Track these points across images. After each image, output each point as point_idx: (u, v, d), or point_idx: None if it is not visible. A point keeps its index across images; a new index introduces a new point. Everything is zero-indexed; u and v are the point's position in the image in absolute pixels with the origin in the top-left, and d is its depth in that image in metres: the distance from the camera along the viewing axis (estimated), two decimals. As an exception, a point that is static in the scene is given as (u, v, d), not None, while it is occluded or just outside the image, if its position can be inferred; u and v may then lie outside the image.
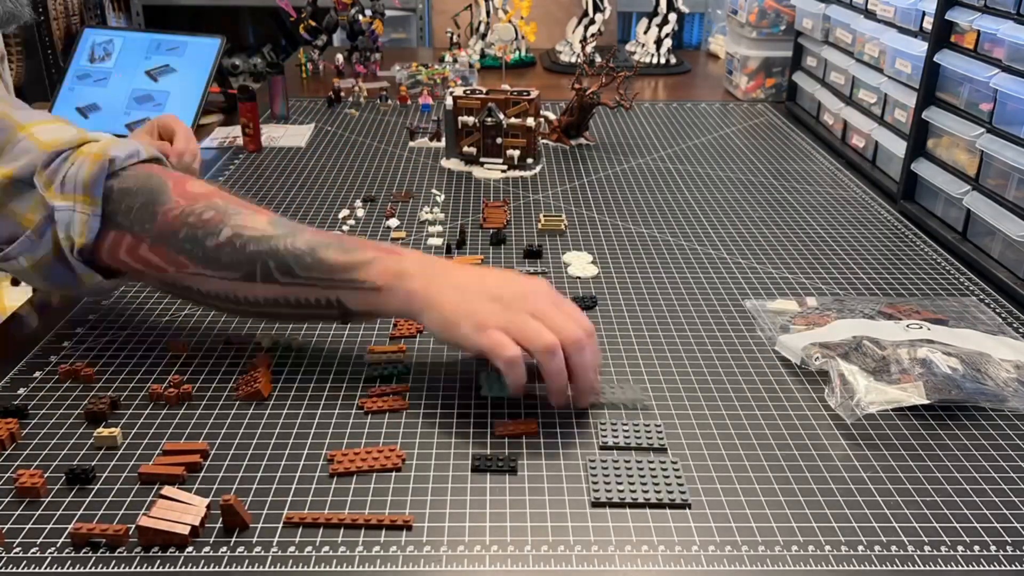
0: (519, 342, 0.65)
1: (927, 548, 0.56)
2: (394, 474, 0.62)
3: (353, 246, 0.70)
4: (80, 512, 0.58)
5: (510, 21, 1.93)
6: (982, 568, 0.55)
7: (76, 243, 0.72)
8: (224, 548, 0.55)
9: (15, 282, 0.95)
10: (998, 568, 0.55)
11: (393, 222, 1.06)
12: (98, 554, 0.55)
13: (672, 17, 1.95)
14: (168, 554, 0.55)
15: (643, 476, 0.61)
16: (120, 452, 0.64)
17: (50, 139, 0.74)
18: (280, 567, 0.54)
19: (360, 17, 1.80)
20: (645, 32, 1.99)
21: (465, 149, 1.25)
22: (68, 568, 0.54)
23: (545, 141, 1.38)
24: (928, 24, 1.07)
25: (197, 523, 0.56)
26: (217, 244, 0.70)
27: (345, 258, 0.69)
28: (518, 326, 0.66)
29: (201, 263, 0.71)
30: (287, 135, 1.41)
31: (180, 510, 0.57)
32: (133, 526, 0.57)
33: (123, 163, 0.74)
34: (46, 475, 0.62)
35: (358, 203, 1.12)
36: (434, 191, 1.13)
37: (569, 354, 0.66)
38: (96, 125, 1.49)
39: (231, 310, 0.75)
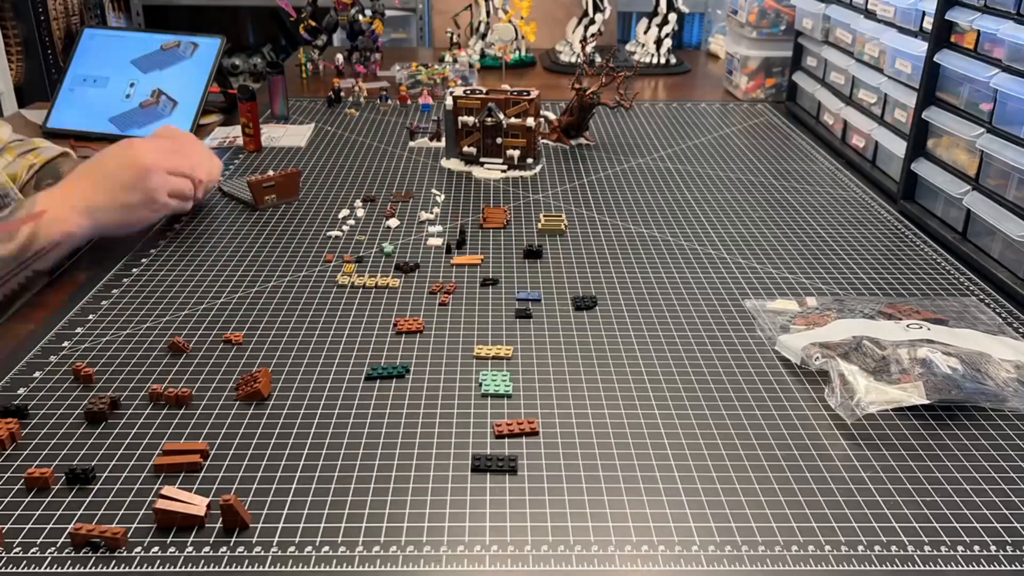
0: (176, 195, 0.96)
1: (927, 548, 0.56)
2: (394, 474, 0.62)
3: (9, 229, 0.83)
4: (80, 512, 0.58)
5: (510, 21, 1.93)
6: (982, 568, 0.55)
7: None
8: (224, 548, 0.55)
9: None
10: (998, 568, 0.55)
11: (393, 222, 1.06)
12: (98, 554, 0.55)
13: (672, 17, 1.95)
14: (168, 554, 0.55)
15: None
16: (120, 452, 0.64)
17: None
18: (280, 567, 0.54)
19: (360, 17, 1.80)
20: (645, 32, 1.99)
21: (465, 149, 1.25)
22: (68, 568, 0.54)
23: (545, 141, 1.38)
24: (928, 24, 1.07)
25: (203, 514, 0.57)
26: None
27: (16, 244, 0.83)
28: (173, 186, 0.96)
29: None
30: (287, 135, 1.41)
31: (186, 499, 0.58)
32: (132, 527, 0.57)
33: None
34: (46, 475, 0.62)
35: (358, 203, 1.12)
36: (434, 191, 1.13)
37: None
38: (96, 125, 1.49)
39: None
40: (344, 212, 1.09)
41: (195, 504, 0.57)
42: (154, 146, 0.98)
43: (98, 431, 0.67)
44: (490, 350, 0.78)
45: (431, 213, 1.09)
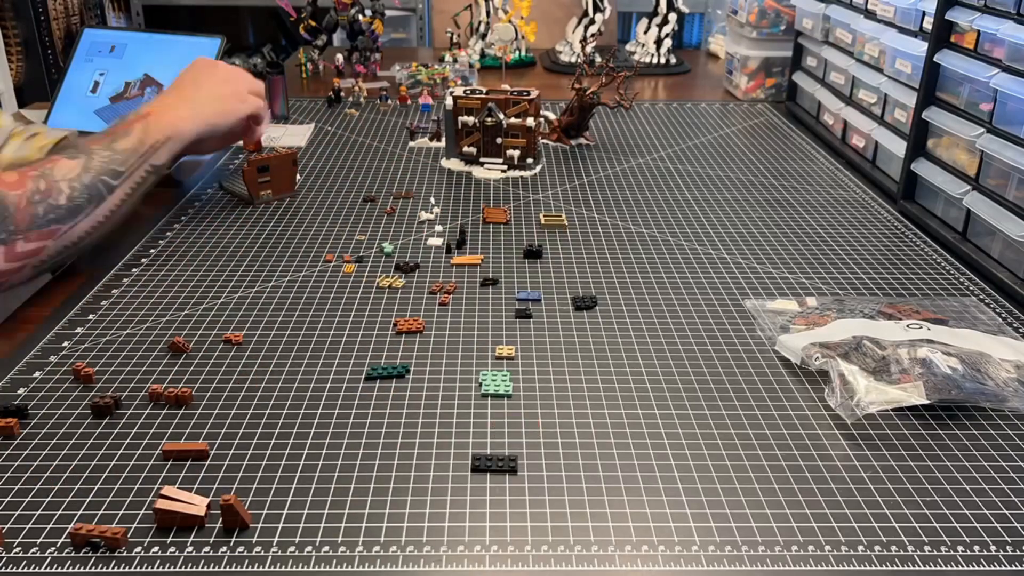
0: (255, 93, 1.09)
1: (927, 548, 0.56)
2: (394, 474, 0.62)
3: (125, 128, 0.94)
4: (80, 512, 0.58)
5: (510, 21, 1.93)
6: (982, 568, 0.55)
7: None
8: (224, 548, 0.55)
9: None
10: (998, 568, 0.55)
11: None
12: (98, 554, 0.55)
13: (672, 17, 1.95)
14: (168, 554, 0.55)
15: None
16: (120, 452, 0.64)
17: None
18: (280, 567, 0.54)
19: (360, 17, 1.80)
20: (645, 32, 1.99)
21: (465, 149, 1.25)
22: (68, 568, 0.54)
23: (545, 141, 1.38)
24: (928, 24, 1.07)
25: (203, 514, 0.57)
26: (68, 198, 0.85)
27: (133, 139, 0.93)
28: (252, 89, 1.10)
29: (67, 220, 0.85)
30: (287, 135, 1.41)
31: (186, 499, 0.58)
32: (132, 527, 0.57)
33: None
34: (46, 475, 0.62)
35: (432, 200, 1.12)
36: (432, 200, 1.13)
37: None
38: (97, 124, 1.49)
39: (102, 231, 0.89)
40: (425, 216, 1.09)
41: (195, 504, 0.57)
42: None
43: (98, 431, 0.67)
44: (504, 350, 0.78)
45: (431, 213, 1.09)
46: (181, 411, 0.69)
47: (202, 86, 1.04)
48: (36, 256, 0.83)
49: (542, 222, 1.06)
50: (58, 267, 0.92)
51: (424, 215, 1.08)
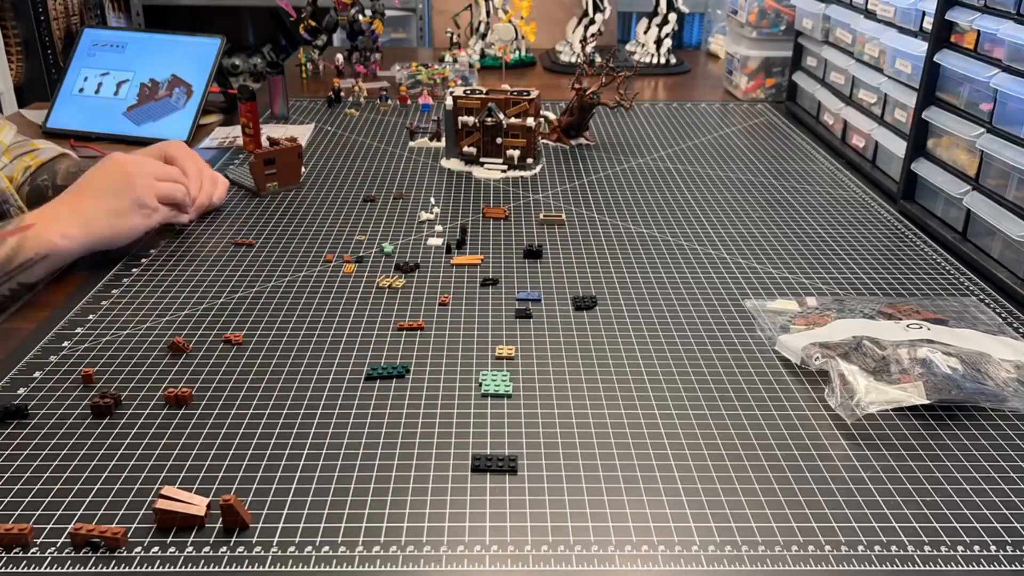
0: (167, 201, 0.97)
1: (927, 548, 0.56)
2: (394, 474, 0.62)
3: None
4: (80, 512, 0.58)
5: (510, 21, 1.93)
6: (982, 568, 0.55)
7: None
8: (224, 548, 0.55)
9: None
10: (998, 568, 0.55)
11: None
12: (98, 554, 0.55)
13: (672, 17, 1.95)
14: (168, 554, 0.55)
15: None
16: (120, 452, 0.64)
17: None
18: (280, 567, 0.54)
19: (360, 17, 1.80)
20: (645, 32, 1.99)
21: (465, 149, 1.25)
22: (68, 568, 0.54)
23: (545, 141, 1.38)
24: (928, 24, 1.07)
25: (203, 514, 0.57)
26: None
27: (2, 252, 0.84)
28: (161, 194, 0.97)
29: None
30: (287, 135, 1.41)
31: (187, 499, 0.58)
32: (132, 527, 0.57)
33: None
34: (45, 475, 0.62)
35: (432, 200, 1.12)
36: (432, 200, 1.13)
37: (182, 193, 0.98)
38: (97, 124, 1.49)
39: None
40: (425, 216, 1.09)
41: (195, 504, 0.57)
42: (139, 154, 1.00)
43: (98, 431, 0.67)
44: (504, 350, 0.78)
45: (431, 213, 1.09)
46: (181, 411, 0.69)
47: (100, 197, 0.92)
48: None
49: (541, 218, 1.06)
50: (54, 278, 0.91)
51: (424, 215, 1.08)
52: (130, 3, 2.66)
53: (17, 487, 0.61)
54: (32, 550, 0.55)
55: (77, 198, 0.92)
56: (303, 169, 1.18)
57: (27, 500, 0.60)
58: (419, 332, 0.81)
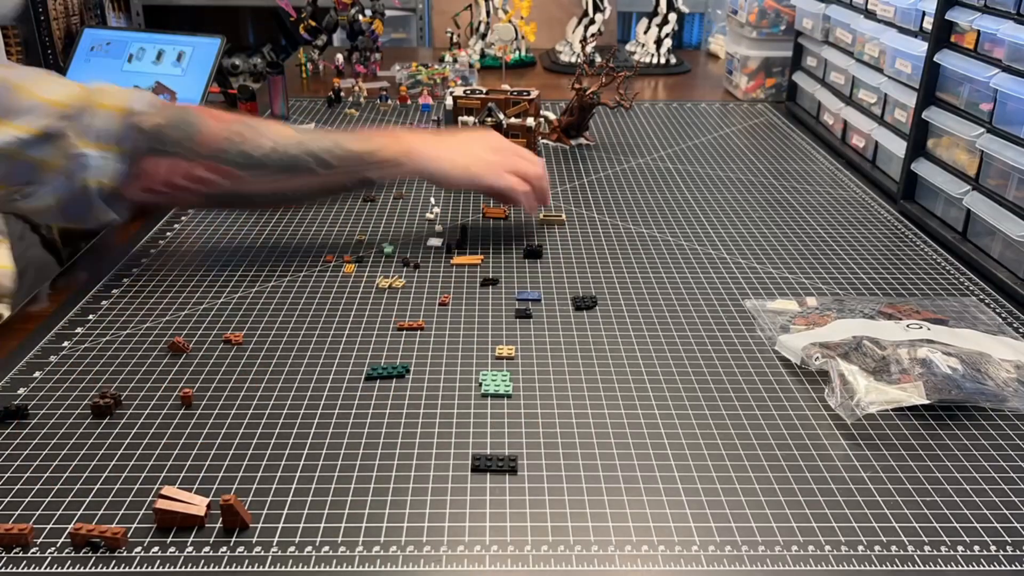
0: (522, 177, 0.97)
1: (927, 548, 0.56)
2: (394, 474, 0.62)
3: (366, 136, 0.95)
4: (80, 512, 0.58)
5: (510, 21, 1.93)
6: (982, 568, 0.55)
7: (106, 186, 0.84)
8: (224, 548, 0.55)
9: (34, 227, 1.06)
10: (998, 568, 0.55)
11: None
12: (98, 554, 0.55)
13: (672, 17, 1.95)
14: (168, 554, 0.55)
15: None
16: (120, 452, 0.64)
17: (56, 96, 0.82)
18: (280, 567, 0.54)
19: (360, 17, 1.80)
20: (645, 32, 1.99)
21: (465, 149, 1.25)
22: (68, 568, 0.54)
23: (545, 141, 1.38)
24: (928, 24, 1.07)
25: (203, 514, 0.57)
26: (263, 154, 0.86)
27: (365, 146, 0.92)
28: (520, 168, 0.97)
29: (253, 171, 0.87)
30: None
31: (187, 499, 0.58)
32: (132, 527, 0.57)
33: (142, 111, 0.85)
34: (46, 475, 0.62)
35: (432, 200, 1.12)
36: (432, 200, 1.12)
37: (541, 177, 0.99)
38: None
39: (277, 203, 0.94)
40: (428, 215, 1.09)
41: (195, 504, 0.57)
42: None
43: (98, 431, 0.67)
44: (504, 350, 0.78)
45: (431, 214, 1.09)
46: (181, 411, 0.69)
47: (465, 141, 1.00)
48: (207, 187, 0.86)
49: (540, 218, 1.07)
50: (231, 210, 1.01)
51: (429, 215, 1.08)
52: (130, 3, 2.66)
53: (17, 487, 0.61)
54: (32, 550, 0.55)
55: (441, 136, 1.01)
56: None
57: (27, 500, 0.60)
58: (419, 332, 0.81)
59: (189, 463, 0.63)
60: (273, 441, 0.66)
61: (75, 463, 0.63)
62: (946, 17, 1.02)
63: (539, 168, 0.99)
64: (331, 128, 0.92)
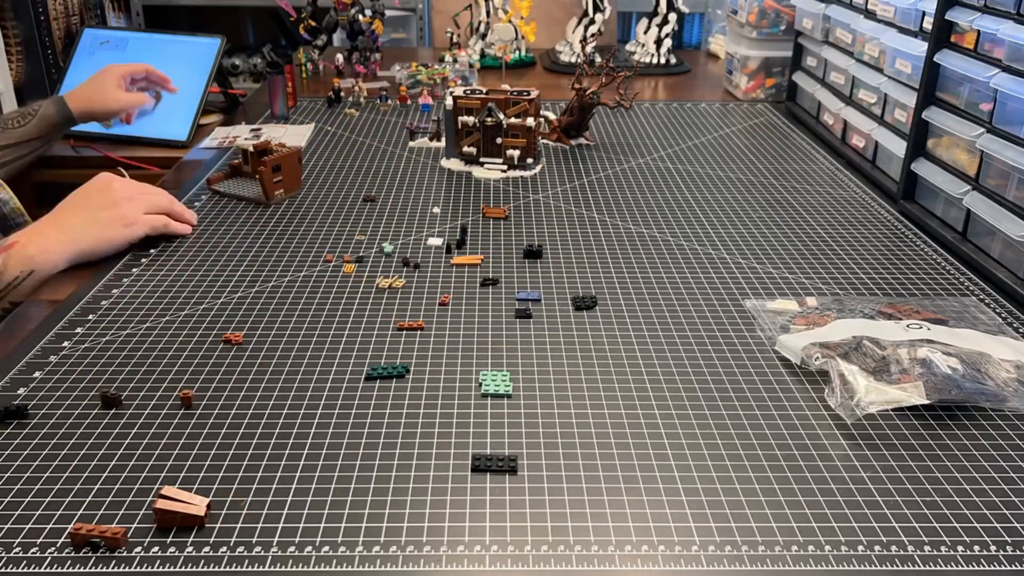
0: (156, 211, 0.99)
1: (927, 548, 0.56)
2: (394, 474, 0.62)
3: None
4: (80, 512, 0.58)
5: (510, 21, 1.93)
6: (982, 568, 0.55)
7: None
8: (224, 548, 0.55)
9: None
10: (998, 568, 0.55)
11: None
12: (98, 554, 0.55)
13: (672, 17, 1.95)
14: (168, 554, 0.55)
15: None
16: (120, 452, 0.64)
17: None
18: (280, 567, 0.54)
19: (360, 17, 1.80)
20: (645, 32, 1.99)
21: (465, 149, 1.25)
22: (68, 568, 0.54)
23: (545, 141, 1.38)
24: (928, 24, 1.07)
25: (203, 513, 0.57)
26: None
27: None
28: (151, 205, 0.99)
29: None
30: (287, 135, 1.41)
31: (186, 499, 0.58)
32: (133, 527, 0.57)
33: None
34: (45, 475, 0.62)
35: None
36: (434, 209, 1.11)
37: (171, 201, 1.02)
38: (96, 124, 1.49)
39: None
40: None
41: (195, 504, 0.57)
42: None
43: (98, 431, 0.67)
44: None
45: (437, 208, 1.09)
46: (181, 411, 0.69)
47: (83, 210, 0.96)
48: None
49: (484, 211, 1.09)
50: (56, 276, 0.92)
51: (433, 209, 1.08)
52: (130, 3, 2.66)
53: (17, 487, 0.61)
54: (32, 550, 0.55)
55: (62, 214, 0.96)
56: (303, 184, 1.17)
57: (27, 500, 0.60)
58: (419, 332, 0.81)
59: (189, 463, 0.63)
60: (273, 441, 0.66)
61: (75, 463, 0.63)
62: (946, 17, 1.02)
63: (163, 196, 1.01)
64: None
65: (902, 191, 1.13)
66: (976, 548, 0.56)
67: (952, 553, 0.56)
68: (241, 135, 1.37)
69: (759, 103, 1.67)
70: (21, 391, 0.72)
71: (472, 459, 0.64)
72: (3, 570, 0.54)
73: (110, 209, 0.96)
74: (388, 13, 1.93)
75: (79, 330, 0.81)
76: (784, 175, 1.26)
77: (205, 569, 0.54)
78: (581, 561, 0.55)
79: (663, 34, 1.97)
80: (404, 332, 0.82)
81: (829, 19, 1.41)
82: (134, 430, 0.67)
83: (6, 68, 2.15)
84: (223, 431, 0.67)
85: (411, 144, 1.37)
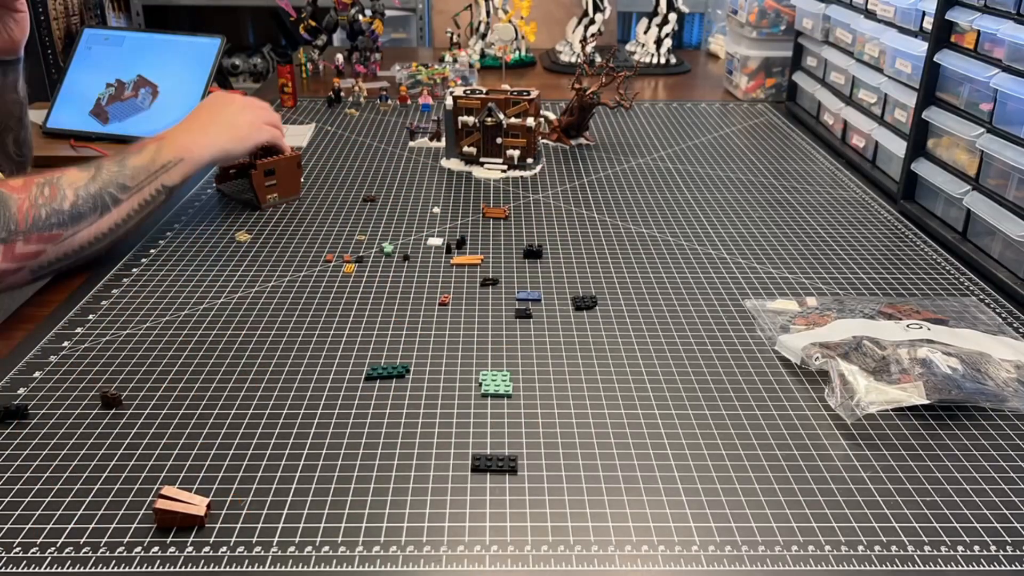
0: (271, 124, 1.10)
1: (927, 548, 0.56)
2: (394, 474, 0.62)
3: (139, 147, 0.96)
4: (80, 512, 0.58)
5: (510, 21, 1.93)
6: (982, 568, 0.55)
7: None
8: (224, 548, 0.55)
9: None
10: (998, 568, 0.55)
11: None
12: (97, 554, 0.55)
13: (672, 17, 1.95)
14: (168, 554, 0.55)
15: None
16: (120, 452, 0.64)
17: None
18: (280, 567, 0.54)
19: (360, 17, 1.80)
20: (645, 32, 1.99)
21: (465, 149, 1.25)
22: (68, 568, 0.54)
23: (545, 141, 1.38)
24: (928, 24, 1.07)
25: (203, 513, 0.57)
26: (71, 205, 0.87)
27: (145, 157, 0.95)
28: (270, 119, 1.10)
29: (69, 226, 0.87)
30: (287, 135, 1.41)
31: (186, 499, 0.58)
32: (132, 527, 0.57)
33: None
34: (45, 475, 0.62)
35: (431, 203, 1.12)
36: (435, 210, 1.12)
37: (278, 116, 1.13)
38: (96, 124, 1.49)
39: (106, 243, 0.91)
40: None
41: (195, 504, 0.57)
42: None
43: (98, 431, 0.67)
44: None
45: (437, 208, 1.09)
46: (181, 411, 0.69)
47: (218, 116, 1.06)
48: (35, 259, 0.85)
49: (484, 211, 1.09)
50: (60, 275, 0.92)
51: (433, 209, 1.08)
52: (130, 3, 2.66)
53: (17, 487, 0.61)
54: (32, 550, 0.55)
55: (198, 121, 1.05)
56: (301, 180, 1.17)
57: (27, 500, 0.60)
58: (419, 332, 0.81)
59: (189, 463, 0.63)
60: (273, 441, 0.66)
61: (75, 463, 0.63)
62: (946, 17, 1.02)
63: (275, 113, 1.13)
64: (113, 153, 0.95)
65: (902, 191, 1.13)
66: (976, 548, 0.56)
67: (952, 553, 0.56)
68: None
69: (759, 103, 1.67)
70: (21, 391, 0.72)
71: (472, 459, 0.64)
72: (3, 570, 0.54)
73: (240, 115, 1.07)
74: (388, 13, 1.93)
75: (79, 330, 0.81)
76: (784, 175, 1.26)
77: (205, 569, 0.54)
78: (581, 561, 0.55)
79: (663, 34, 1.97)
80: (404, 332, 0.82)
81: (829, 19, 1.41)
82: (134, 430, 0.67)
83: (6, 68, 2.15)
84: (223, 431, 0.67)
85: (411, 144, 1.37)
